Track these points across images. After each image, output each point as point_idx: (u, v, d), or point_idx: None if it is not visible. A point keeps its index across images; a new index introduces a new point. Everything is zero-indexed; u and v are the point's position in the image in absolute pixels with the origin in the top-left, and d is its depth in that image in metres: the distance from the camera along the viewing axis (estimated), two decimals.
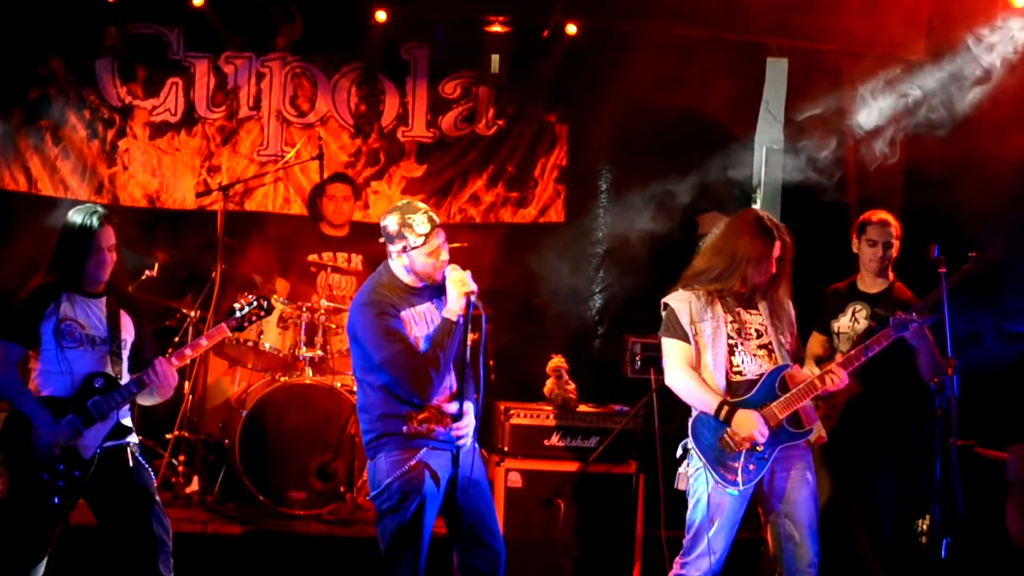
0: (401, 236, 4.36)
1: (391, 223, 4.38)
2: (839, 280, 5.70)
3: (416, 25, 7.44)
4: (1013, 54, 6.10)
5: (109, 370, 4.48)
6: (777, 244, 4.60)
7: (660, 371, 4.85)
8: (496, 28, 7.28)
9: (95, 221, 4.45)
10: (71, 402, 4.39)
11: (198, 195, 7.34)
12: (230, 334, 4.68)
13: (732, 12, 6.74)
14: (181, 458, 6.49)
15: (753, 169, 7.54)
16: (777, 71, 7.51)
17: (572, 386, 5.98)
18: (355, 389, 6.22)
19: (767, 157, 7.54)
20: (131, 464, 4.51)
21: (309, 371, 6.44)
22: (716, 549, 4.44)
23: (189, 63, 7.37)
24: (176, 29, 7.31)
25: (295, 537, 5.91)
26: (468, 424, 4.41)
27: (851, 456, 5.40)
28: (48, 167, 7.20)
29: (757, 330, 4.60)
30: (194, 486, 6.34)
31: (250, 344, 6.37)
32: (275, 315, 6.35)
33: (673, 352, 4.60)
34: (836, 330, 5.51)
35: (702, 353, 4.55)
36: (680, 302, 4.62)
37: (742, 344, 4.56)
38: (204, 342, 4.64)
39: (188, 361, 4.76)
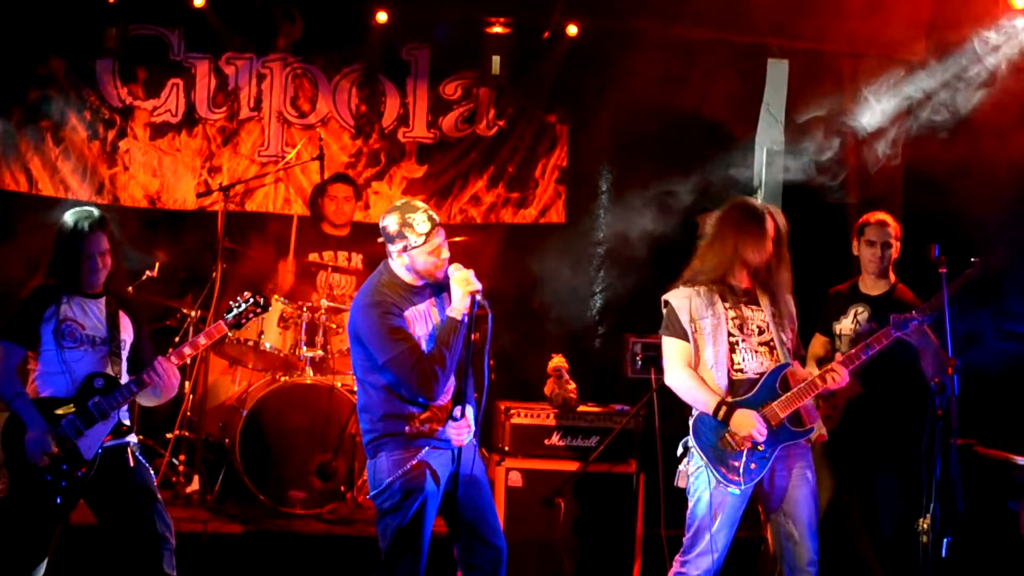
0: (401, 236, 4.36)
1: (391, 223, 4.39)
2: (840, 281, 5.70)
3: (417, 26, 7.44)
4: (1014, 55, 6.10)
5: (109, 370, 4.48)
6: (769, 223, 4.62)
7: (660, 371, 4.85)
8: (497, 29, 7.29)
9: (85, 227, 4.44)
10: (72, 403, 4.39)
11: (199, 196, 7.34)
12: (228, 332, 4.68)
13: (733, 13, 6.75)
14: (182, 458, 6.49)
15: (754, 170, 7.54)
16: (778, 72, 7.51)
17: (572, 386, 5.98)
18: (355, 389, 6.23)
19: (768, 158, 7.53)
20: (132, 463, 4.51)
21: (309, 371, 6.45)
22: (717, 548, 4.44)
23: (190, 64, 7.37)
24: (177, 30, 7.32)
25: (296, 536, 5.91)
26: (468, 425, 4.40)
27: (852, 456, 5.40)
28: (49, 167, 7.21)
29: (759, 327, 4.60)
30: (194, 486, 6.34)
31: (250, 344, 6.38)
32: (275, 315, 6.36)
33: (672, 351, 4.61)
34: (838, 332, 5.50)
35: (702, 351, 4.55)
36: (681, 299, 4.62)
37: (743, 341, 4.56)
38: (203, 340, 4.64)
39: (188, 360, 4.76)
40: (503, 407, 5.98)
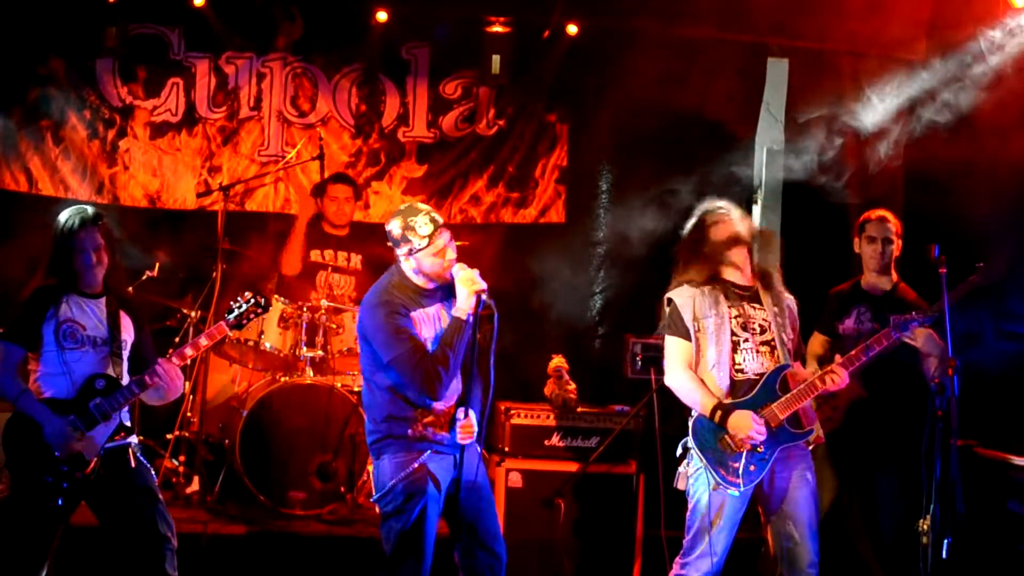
0: (406, 240, 4.38)
1: (395, 228, 4.41)
2: (840, 280, 5.69)
3: (417, 25, 7.44)
4: (1015, 54, 6.09)
5: (110, 371, 4.48)
6: (729, 221, 4.65)
7: (661, 371, 4.85)
8: (497, 28, 7.28)
9: (76, 223, 4.45)
10: (73, 404, 4.39)
11: (199, 195, 7.34)
12: (229, 332, 4.68)
13: (733, 12, 6.74)
14: (181, 458, 6.49)
15: (754, 169, 7.53)
16: (778, 71, 7.51)
17: (572, 386, 5.97)
18: (362, 388, 6.23)
19: (768, 157, 7.53)
20: (134, 464, 4.50)
21: (309, 371, 6.45)
22: (717, 550, 4.44)
23: (190, 63, 7.37)
24: (177, 29, 7.32)
25: (296, 537, 5.91)
26: (472, 425, 4.38)
27: (852, 457, 5.40)
28: (49, 167, 7.21)
29: (761, 325, 4.60)
30: (195, 486, 6.34)
31: (251, 344, 6.38)
32: (276, 315, 6.36)
33: (674, 350, 4.61)
34: (840, 332, 5.50)
35: (703, 350, 4.55)
36: (684, 298, 4.61)
37: (746, 340, 4.55)
38: (204, 341, 4.64)
39: (189, 360, 4.76)
40: (503, 407, 5.98)
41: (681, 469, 4.60)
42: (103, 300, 4.55)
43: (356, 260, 6.99)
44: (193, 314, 6.55)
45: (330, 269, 6.87)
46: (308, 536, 5.94)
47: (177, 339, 6.56)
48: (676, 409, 4.91)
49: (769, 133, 7.52)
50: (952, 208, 6.02)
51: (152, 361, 4.57)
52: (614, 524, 5.78)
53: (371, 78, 7.58)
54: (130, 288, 5.48)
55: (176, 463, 6.45)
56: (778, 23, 6.83)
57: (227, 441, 6.37)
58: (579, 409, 5.94)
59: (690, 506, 4.55)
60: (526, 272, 7.09)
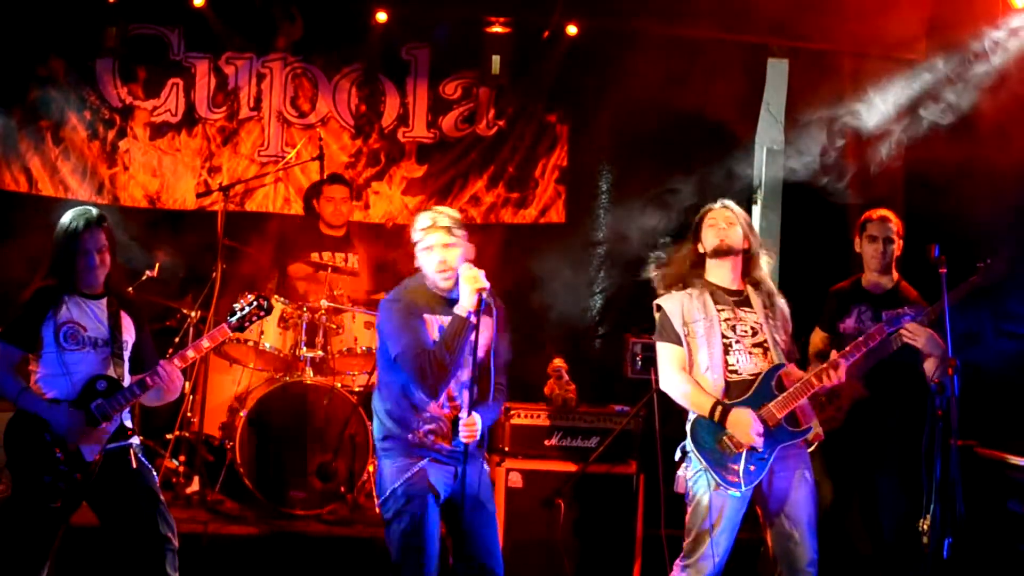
0: (413, 235, 4.48)
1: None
2: (840, 280, 5.69)
3: (417, 26, 7.44)
4: (1016, 55, 6.09)
5: (111, 372, 4.48)
6: (718, 210, 4.69)
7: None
8: (497, 29, 7.28)
9: (80, 224, 4.45)
10: (73, 404, 4.39)
11: (198, 195, 7.34)
12: (231, 334, 4.69)
13: (733, 12, 6.74)
14: (181, 458, 6.49)
15: (754, 170, 7.53)
16: (778, 72, 7.51)
17: (572, 386, 5.98)
18: (355, 389, 6.23)
19: (768, 157, 7.53)
20: (135, 465, 4.50)
21: (309, 371, 6.44)
22: (718, 552, 4.44)
23: (190, 64, 7.37)
24: (177, 29, 7.32)
25: (296, 537, 5.91)
26: (474, 424, 4.36)
27: (853, 456, 5.39)
28: (49, 167, 7.21)
29: (752, 328, 4.60)
30: (195, 486, 6.34)
31: (250, 344, 6.38)
32: (275, 315, 6.36)
33: (666, 356, 4.63)
34: (841, 331, 5.50)
35: (695, 353, 4.56)
36: (673, 303, 4.64)
37: (737, 342, 4.56)
38: (206, 343, 4.64)
39: (190, 362, 4.77)
40: (503, 407, 5.97)
41: (680, 472, 4.60)
42: (104, 301, 4.55)
43: (354, 260, 7.00)
44: (193, 314, 6.55)
45: (330, 269, 6.87)
46: (308, 536, 5.94)
47: (177, 339, 6.56)
48: (676, 409, 4.91)
49: (769, 133, 7.52)
50: (952, 208, 6.02)
51: (152, 361, 4.57)
52: (614, 524, 5.78)
53: (371, 78, 7.58)
54: (130, 288, 5.48)
55: (176, 463, 6.44)
56: (778, 23, 6.82)
57: (227, 441, 6.37)
58: (579, 409, 5.94)
59: (690, 508, 4.55)
60: (526, 272, 7.08)
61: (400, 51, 7.56)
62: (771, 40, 7.29)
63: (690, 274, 4.73)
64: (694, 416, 4.55)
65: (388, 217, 7.67)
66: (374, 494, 6.24)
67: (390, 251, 7.16)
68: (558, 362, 6.05)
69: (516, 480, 5.76)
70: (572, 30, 7.29)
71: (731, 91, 7.17)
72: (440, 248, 4.41)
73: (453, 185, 7.69)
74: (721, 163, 7.09)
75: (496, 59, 7.32)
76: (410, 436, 4.38)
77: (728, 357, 4.54)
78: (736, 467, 4.43)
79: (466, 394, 4.38)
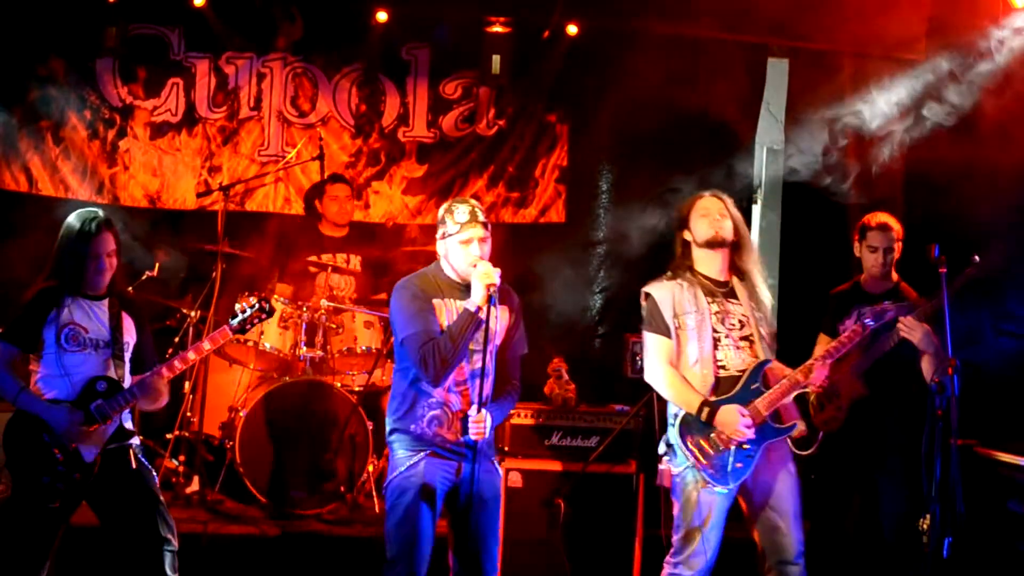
0: (443, 221, 4.45)
1: (441, 209, 4.52)
2: (840, 280, 5.69)
3: (417, 25, 7.44)
4: (1016, 55, 6.09)
5: (112, 373, 4.48)
6: (709, 199, 4.67)
7: None
8: (497, 28, 7.28)
9: (93, 227, 4.44)
10: (73, 405, 4.39)
11: (199, 195, 7.35)
12: (232, 337, 4.69)
13: (733, 12, 6.74)
14: (181, 458, 6.49)
15: (754, 169, 7.53)
16: (778, 71, 7.51)
17: (572, 386, 5.97)
18: (356, 388, 6.22)
19: (768, 157, 7.53)
20: (134, 465, 4.51)
21: (309, 371, 6.44)
22: (709, 548, 4.46)
23: (190, 63, 7.37)
24: (177, 29, 7.32)
25: (295, 537, 5.90)
26: (482, 421, 4.33)
27: (855, 455, 5.39)
28: (49, 167, 7.21)
29: (740, 320, 4.60)
30: (194, 486, 6.34)
31: (250, 344, 6.38)
32: (275, 315, 6.35)
33: (653, 347, 4.59)
34: (841, 332, 5.49)
35: (684, 345, 4.54)
36: (663, 292, 4.60)
37: (726, 336, 4.55)
38: (207, 345, 4.64)
39: (191, 364, 4.77)
40: (514, 406, 5.96)
41: (663, 466, 4.59)
42: (106, 302, 4.55)
43: (355, 261, 7.00)
44: (193, 314, 6.55)
45: (330, 270, 6.88)
46: (308, 536, 5.93)
47: (177, 339, 6.56)
48: None
49: (769, 133, 7.52)
50: (952, 207, 6.02)
51: (152, 363, 4.59)
52: (614, 524, 5.77)
53: (371, 78, 7.58)
54: (130, 288, 5.48)
55: (176, 463, 6.44)
56: (778, 23, 6.82)
57: (227, 441, 6.37)
58: (579, 409, 5.93)
59: (677, 504, 4.55)
60: (526, 272, 7.08)
61: (400, 51, 7.57)
62: (771, 40, 7.29)
63: (678, 263, 4.70)
64: (681, 412, 4.53)
65: (388, 217, 7.67)
66: (374, 493, 6.29)
67: (390, 251, 7.16)
68: (558, 362, 6.04)
69: (516, 480, 5.76)
70: (572, 30, 7.29)
71: (731, 91, 7.17)
72: (478, 242, 4.42)
73: (453, 185, 7.69)
74: (721, 163, 7.09)
75: (496, 59, 7.32)
76: (413, 427, 4.38)
77: (717, 352, 4.54)
78: (723, 464, 4.44)
79: (475, 387, 4.37)
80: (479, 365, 4.33)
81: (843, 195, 6.70)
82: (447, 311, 4.40)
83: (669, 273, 4.68)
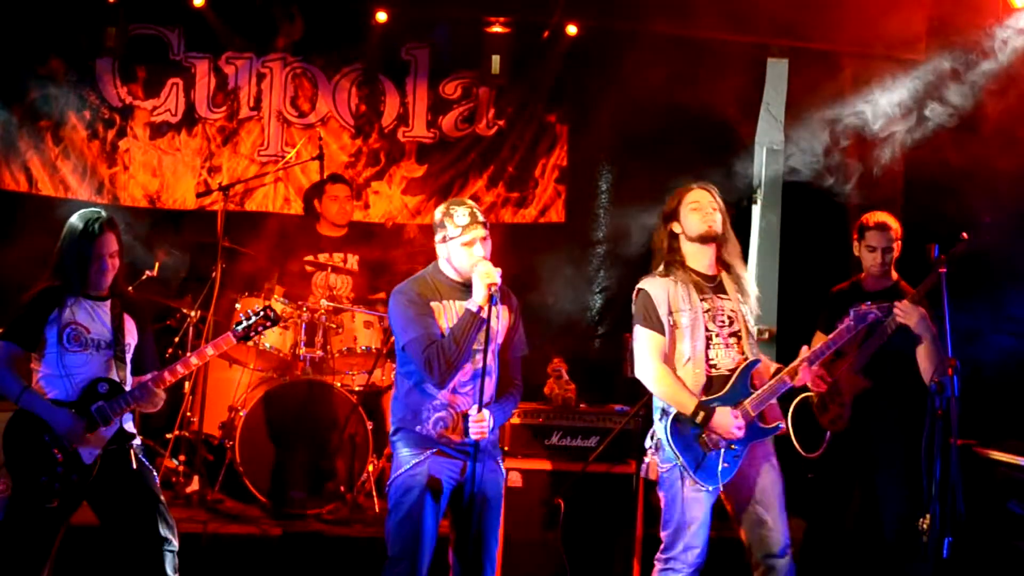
0: (442, 225, 4.44)
1: (437, 213, 4.49)
2: (840, 279, 5.69)
3: (417, 25, 7.45)
4: (1016, 55, 6.09)
5: (113, 374, 4.48)
6: (700, 192, 4.64)
7: None
8: (497, 28, 7.28)
9: (97, 228, 4.44)
10: (74, 406, 4.39)
11: (198, 195, 7.35)
12: (236, 343, 4.69)
13: (733, 12, 6.73)
14: (181, 458, 6.49)
15: (753, 170, 7.53)
16: (778, 71, 7.50)
17: (572, 386, 5.97)
18: (355, 388, 6.22)
19: (767, 157, 7.52)
20: (135, 466, 4.50)
21: (309, 371, 6.44)
22: (698, 543, 4.48)
23: (190, 63, 7.38)
24: (176, 29, 7.33)
25: (295, 537, 5.90)
26: (484, 420, 4.34)
27: (857, 451, 5.39)
28: (48, 167, 7.21)
29: (729, 316, 4.61)
30: (194, 486, 6.34)
31: (250, 344, 6.37)
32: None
33: (646, 343, 4.56)
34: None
35: (677, 343, 4.54)
36: (658, 289, 4.58)
37: (717, 335, 4.56)
38: (210, 351, 4.64)
39: (193, 369, 4.77)
40: (517, 406, 5.96)
41: (648, 459, 4.60)
42: (108, 303, 4.55)
43: (353, 261, 7.00)
44: (193, 314, 6.55)
45: (329, 270, 6.88)
46: (308, 536, 5.93)
47: (177, 339, 6.56)
48: None
49: (769, 133, 7.51)
50: (951, 206, 6.02)
51: (152, 364, 4.61)
52: (614, 524, 5.77)
53: (371, 78, 7.59)
54: (130, 288, 5.47)
55: (176, 463, 6.45)
56: (778, 23, 6.83)
57: (227, 441, 6.36)
58: (579, 409, 5.93)
59: (665, 502, 4.56)
60: (526, 272, 7.08)
61: (400, 51, 7.57)
62: (771, 40, 7.28)
63: (670, 259, 4.66)
64: (672, 410, 4.52)
65: (388, 217, 7.67)
66: (374, 493, 6.29)
67: (390, 251, 7.16)
68: (558, 362, 6.04)
69: (516, 480, 5.76)
70: (572, 30, 7.29)
71: (731, 91, 7.17)
72: (480, 243, 4.42)
73: (453, 185, 7.69)
74: (721, 163, 7.10)
75: (496, 59, 7.32)
76: (418, 428, 4.39)
77: (709, 351, 4.55)
78: (712, 464, 4.46)
79: (478, 387, 4.37)
80: (481, 365, 4.34)
81: (843, 196, 6.70)
82: (446, 313, 4.41)
83: (662, 269, 4.65)
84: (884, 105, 6.46)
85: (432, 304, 4.41)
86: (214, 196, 7.23)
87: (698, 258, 4.65)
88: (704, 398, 4.50)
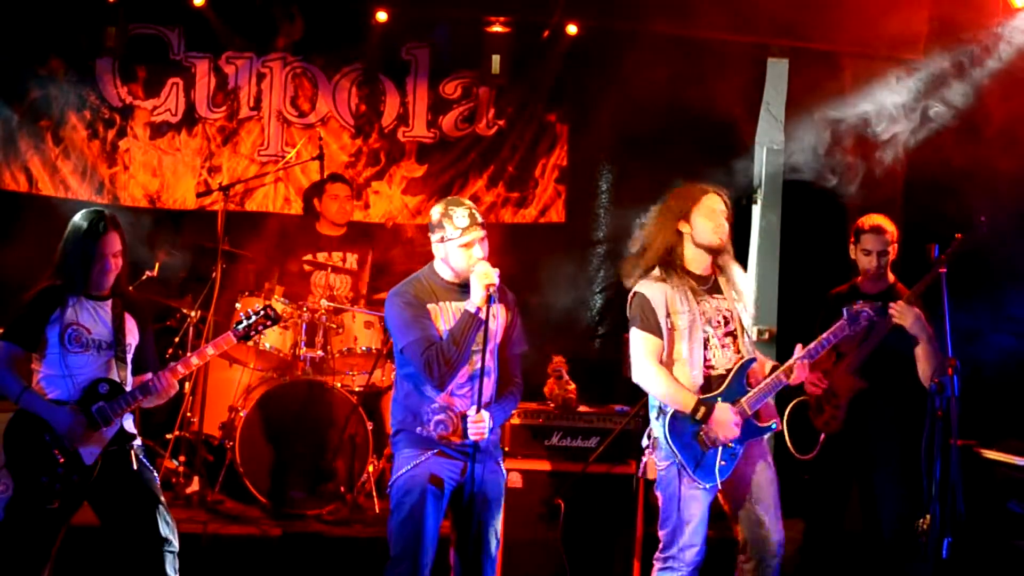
0: (440, 226, 4.42)
1: (435, 213, 4.47)
2: (840, 280, 5.69)
3: (417, 25, 7.44)
4: (1016, 55, 6.09)
5: (114, 375, 4.48)
6: (703, 199, 4.62)
7: None
8: (497, 28, 7.28)
9: (101, 227, 4.45)
10: (75, 407, 4.39)
11: (198, 195, 7.35)
12: (236, 343, 4.69)
13: (733, 12, 6.73)
14: (181, 458, 6.49)
15: (754, 169, 7.53)
16: (778, 71, 7.50)
17: (572, 386, 5.97)
18: (355, 388, 6.22)
19: (767, 157, 7.52)
20: (135, 466, 4.50)
21: (309, 371, 6.44)
22: (696, 541, 4.51)
23: (190, 63, 7.38)
24: (177, 29, 7.32)
25: (295, 537, 5.91)
26: (482, 421, 4.34)
27: (854, 450, 5.39)
28: (49, 167, 7.21)
29: (724, 316, 4.62)
30: (194, 486, 6.34)
31: (250, 344, 6.37)
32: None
33: (643, 345, 4.56)
34: None
35: (675, 344, 4.54)
36: (656, 292, 4.58)
37: (713, 336, 4.57)
38: (210, 350, 4.64)
39: (194, 368, 4.77)
40: (517, 406, 5.96)
41: (645, 458, 4.62)
42: (109, 303, 4.55)
43: (352, 260, 7.00)
44: (193, 314, 6.55)
45: (329, 269, 6.88)
46: (308, 536, 5.94)
47: (177, 339, 6.56)
48: None
49: (769, 133, 7.50)
50: (951, 206, 6.02)
51: (153, 364, 4.60)
52: (614, 523, 5.78)
53: (371, 78, 7.58)
54: (130, 288, 5.47)
55: (176, 463, 6.45)
56: (778, 23, 6.82)
57: (227, 441, 6.36)
58: (579, 409, 5.94)
59: (663, 499, 4.58)
60: (526, 272, 7.08)
61: (400, 51, 7.57)
62: (771, 40, 7.28)
63: (668, 261, 4.64)
64: (668, 409, 4.53)
65: (388, 217, 7.67)
66: (374, 494, 6.29)
67: (390, 251, 7.16)
68: (558, 362, 6.04)
69: (516, 480, 5.76)
70: (572, 30, 7.29)
71: (731, 91, 7.16)
72: (479, 244, 4.42)
73: (453, 185, 7.69)
74: (721, 163, 7.09)
75: (496, 59, 7.31)
76: (419, 429, 4.40)
77: (707, 353, 4.56)
78: (710, 462, 4.48)
79: (476, 388, 4.37)
80: (479, 366, 4.33)
81: (843, 196, 6.70)
82: (443, 315, 4.41)
83: (658, 272, 4.64)
84: (884, 105, 6.45)
85: (428, 306, 4.41)
86: (214, 196, 7.23)
87: (697, 262, 4.66)
88: (702, 396, 4.51)
